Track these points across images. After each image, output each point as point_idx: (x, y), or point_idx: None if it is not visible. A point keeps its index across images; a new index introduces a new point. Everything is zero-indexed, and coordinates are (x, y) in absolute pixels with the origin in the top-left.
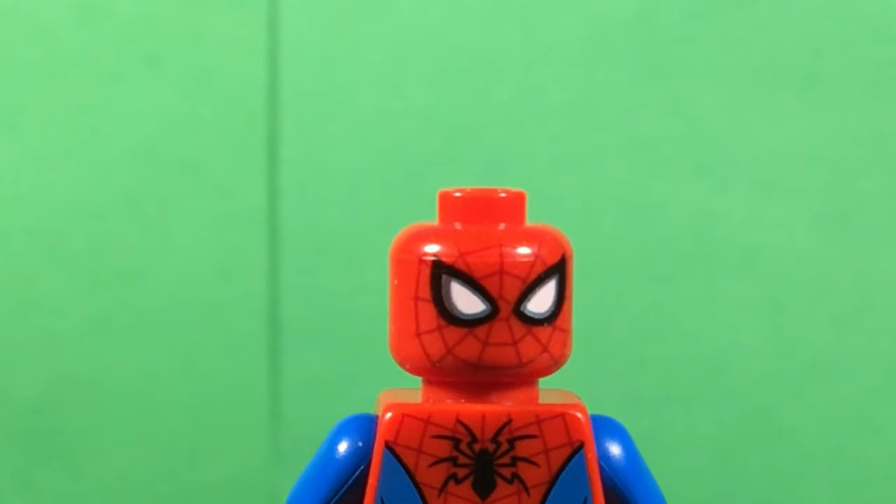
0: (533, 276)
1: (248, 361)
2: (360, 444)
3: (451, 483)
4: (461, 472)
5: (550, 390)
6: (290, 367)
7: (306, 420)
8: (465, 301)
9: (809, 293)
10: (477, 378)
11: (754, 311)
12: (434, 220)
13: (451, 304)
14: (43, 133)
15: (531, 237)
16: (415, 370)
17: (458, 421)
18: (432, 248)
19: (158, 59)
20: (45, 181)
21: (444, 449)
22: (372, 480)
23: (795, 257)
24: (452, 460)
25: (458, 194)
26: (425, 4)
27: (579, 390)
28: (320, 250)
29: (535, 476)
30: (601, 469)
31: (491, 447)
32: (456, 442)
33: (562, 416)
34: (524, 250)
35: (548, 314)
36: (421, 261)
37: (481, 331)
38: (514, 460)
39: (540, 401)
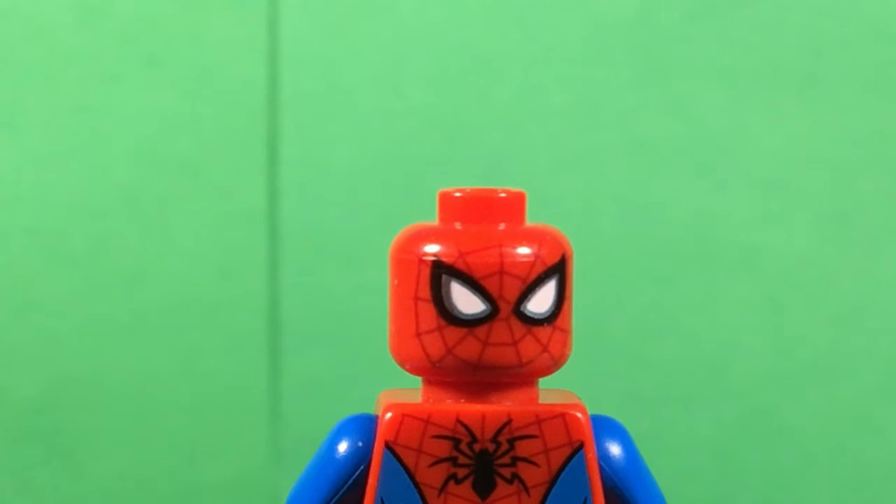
0: (533, 276)
1: (248, 361)
2: (360, 444)
3: (451, 483)
4: (461, 472)
5: (550, 390)
6: (290, 367)
7: (306, 420)
8: (465, 301)
9: (809, 293)
10: (477, 378)
11: (754, 311)
12: (434, 220)
13: (451, 304)
14: (43, 133)
15: (531, 237)
16: (415, 370)
17: (458, 421)
18: (432, 248)
19: (158, 59)
20: (45, 181)
21: (444, 449)
22: (372, 480)
23: (795, 257)
24: (452, 460)
25: (458, 194)
26: (425, 4)
27: (579, 390)
28: (320, 250)
29: (535, 476)
30: (601, 469)
31: (491, 447)
32: (456, 442)
33: (562, 416)
34: (524, 250)
35: (548, 314)
36: (421, 261)
37: (481, 331)
38: (514, 460)
39: (540, 401)
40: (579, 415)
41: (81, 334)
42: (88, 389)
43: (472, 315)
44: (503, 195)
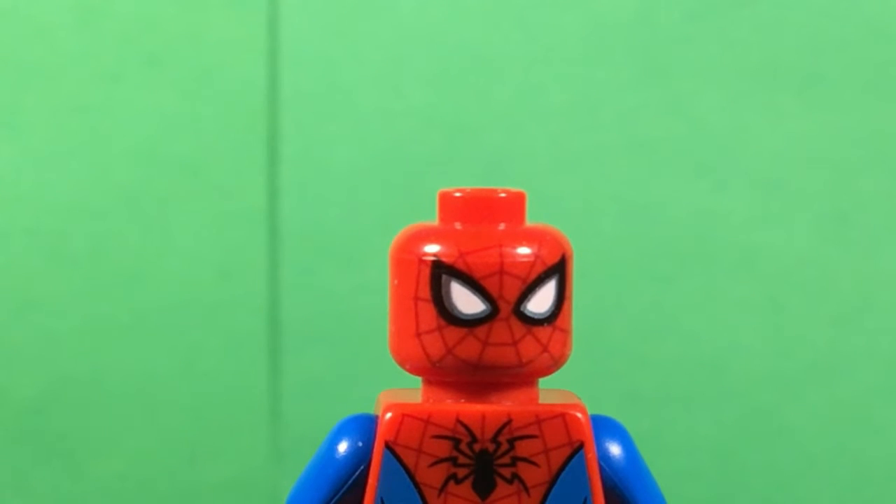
0: (533, 276)
1: (248, 361)
2: (360, 444)
3: (451, 483)
4: (461, 472)
5: (550, 390)
6: (290, 367)
7: (306, 420)
8: (465, 301)
9: (809, 293)
10: (477, 378)
11: (754, 311)
12: (434, 220)
13: (451, 304)
14: (43, 133)
15: (531, 237)
16: (415, 370)
17: (458, 421)
18: (432, 248)
19: (158, 59)
20: (45, 181)
21: (444, 449)
22: (372, 480)
23: (795, 257)
24: (452, 460)
25: (458, 194)
26: (425, 4)
27: (579, 390)
28: (320, 250)
29: (535, 476)
30: (601, 469)
31: (491, 447)
32: (456, 442)
33: (562, 416)
34: (524, 250)
35: (548, 314)
36: (421, 261)
37: (481, 331)
38: (514, 460)
39: (540, 401)
40: (579, 415)
41: (81, 334)
42: (88, 389)
43: (472, 315)
44: (503, 195)
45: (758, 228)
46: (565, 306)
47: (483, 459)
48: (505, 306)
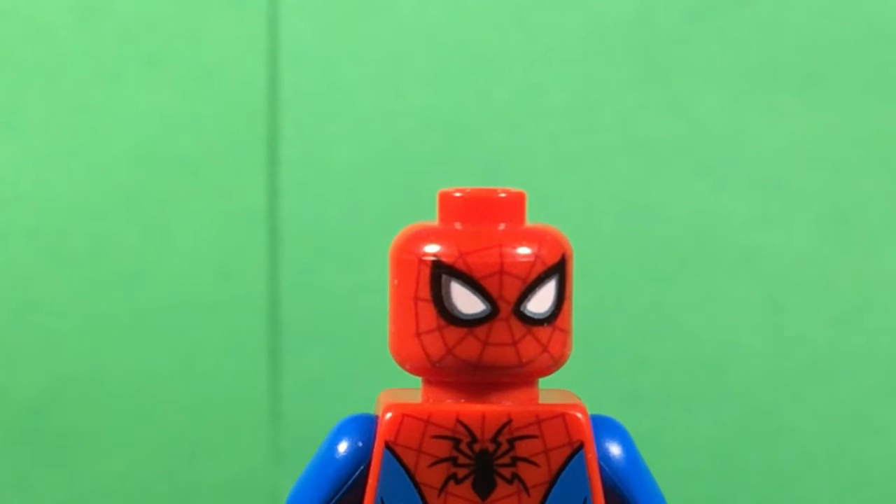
0: (533, 276)
1: (248, 361)
2: (360, 444)
3: (451, 483)
4: (461, 472)
5: (550, 390)
6: (290, 367)
7: (306, 420)
8: (465, 301)
9: (809, 293)
10: (477, 378)
11: (754, 311)
12: (434, 220)
13: (451, 304)
14: (43, 133)
15: (531, 237)
16: (415, 370)
17: (458, 421)
18: (432, 248)
19: (158, 59)
20: (45, 181)
21: (444, 449)
22: (372, 480)
23: (795, 257)
24: (452, 460)
25: (458, 194)
26: (425, 4)
27: (579, 390)
28: (320, 250)
29: (535, 476)
30: (601, 469)
31: (491, 447)
32: (456, 442)
33: (562, 416)
34: (524, 250)
35: (548, 314)
36: (421, 261)
37: (481, 331)
38: (514, 460)
39: (540, 401)
40: (579, 415)
41: (81, 334)
42: (88, 389)
43: (472, 315)
44: (503, 195)
45: (758, 228)
46: (565, 306)
47: (483, 459)
48: (505, 306)
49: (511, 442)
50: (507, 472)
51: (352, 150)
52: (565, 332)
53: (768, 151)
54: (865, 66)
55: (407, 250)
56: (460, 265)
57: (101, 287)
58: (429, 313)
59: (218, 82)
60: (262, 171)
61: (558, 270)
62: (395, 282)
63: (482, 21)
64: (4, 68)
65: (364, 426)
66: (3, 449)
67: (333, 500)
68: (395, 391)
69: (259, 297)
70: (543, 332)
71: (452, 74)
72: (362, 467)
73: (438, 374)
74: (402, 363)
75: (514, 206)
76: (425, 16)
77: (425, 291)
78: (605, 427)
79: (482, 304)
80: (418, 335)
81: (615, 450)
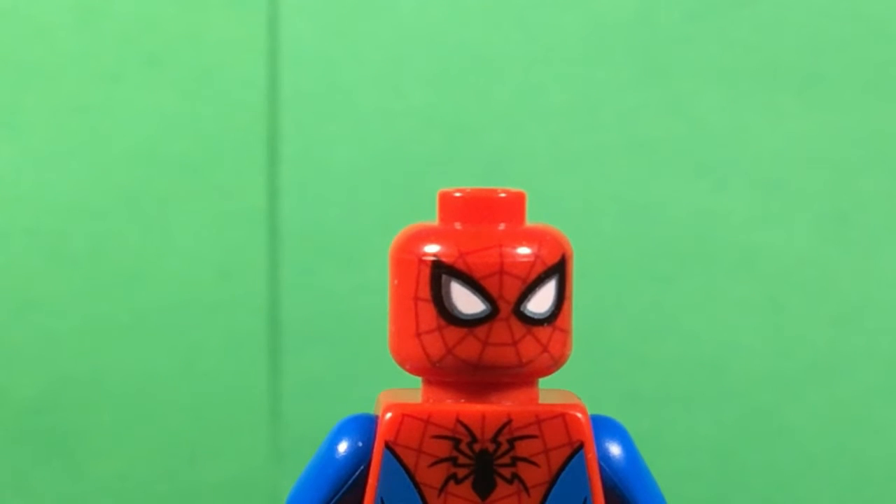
0: (533, 276)
1: (248, 361)
2: (360, 444)
3: (451, 483)
4: (461, 472)
5: (550, 390)
6: (290, 367)
7: (306, 420)
8: (465, 301)
9: (809, 293)
10: (477, 378)
11: (754, 311)
12: (434, 220)
13: (451, 304)
14: (43, 133)
15: (531, 237)
16: (415, 370)
17: (458, 421)
18: (432, 248)
19: (158, 59)
20: (45, 181)
21: (444, 449)
22: (372, 480)
23: (795, 257)
24: (452, 460)
25: (458, 194)
26: (425, 4)
27: (579, 390)
28: (320, 250)
29: (535, 476)
30: (601, 469)
31: (491, 447)
32: (456, 442)
33: (562, 416)
34: (524, 250)
35: (548, 314)
36: (421, 261)
37: (481, 331)
38: (514, 460)
39: (540, 401)
40: (579, 415)
41: (81, 334)
42: (88, 389)
43: (472, 315)
44: (503, 195)
45: (758, 228)
46: (565, 306)
47: (483, 459)
48: (505, 306)
49: (511, 442)
50: (507, 472)
51: (352, 150)
52: (565, 332)
53: (768, 151)
54: (865, 66)
55: (407, 250)
56: (460, 265)
57: (101, 287)
58: (429, 313)
59: (218, 82)
60: (262, 171)
61: (558, 270)
62: (395, 282)
63: (482, 21)
64: (4, 68)
65: (364, 426)
66: (3, 449)
67: (333, 500)
68: (395, 391)
69: (259, 297)
70: (543, 332)
71: (452, 74)
72: (362, 467)
73: (438, 374)
74: (402, 363)
75: (514, 206)
76: (425, 16)
77: (425, 291)
78: (605, 427)
79: (482, 304)
80: (418, 335)
81: (615, 450)
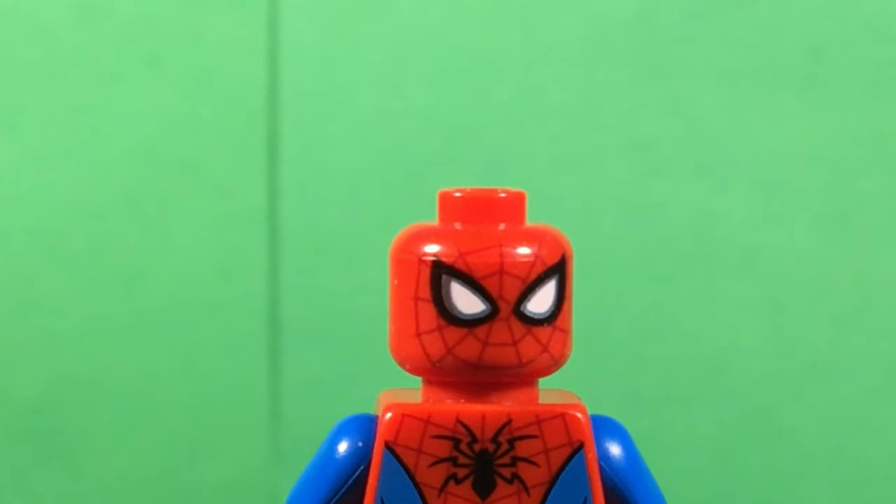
0: (533, 276)
1: (248, 361)
2: (360, 444)
3: (451, 483)
4: (461, 472)
5: (550, 390)
6: (290, 367)
7: (306, 420)
8: (465, 301)
9: (809, 293)
10: (477, 378)
11: (754, 311)
12: (434, 220)
13: (451, 304)
14: (43, 133)
15: (531, 237)
16: (415, 370)
17: (458, 421)
18: (432, 248)
19: (158, 59)
20: (45, 181)
21: (444, 449)
22: (372, 480)
23: (795, 257)
24: (452, 460)
25: (458, 194)
26: (425, 4)
27: (579, 390)
28: (320, 250)
29: (535, 476)
30: (601, 469)
31: (491, 447)
32: (456, 442)
33: (562, 416)
34: (524, 250)
35: (548, 314)
36: (421, 261)
37: (481, 331)
38: (514, 460)
39: (540, 401)
40: (579, 415)
41: (81, 334)
42: (88, 389)
43: (472, 315)
44: (503, 195)
45: (758, 228)
46: (565, 306)
47: (483, 459)
48: (505, 306)
49: (511, 442)
50: (507, 472)
51: (352, 150)
52: (565, 332)
53: (768, 151)
54: (865, 66)
55: (407, 250)
56: (460, 265)
57: (101, 287)
58: (429, 313)
59: (218, 82)
60: (262, 171)
61: (558, 270)
62: (395, 282)
63: (482, 21)
64: (4, 68)
65: (364, 426)
66: (3, 449)
67: (333, 500)
68: (395, 391)
69: (259, 297)
70: (543, 332)
71: (452, 74)
72: (362, 467)
73: (438, 374)
74: (402, 363)
75: (514, 206)
76: (425, 16)
77: (425, 291)
78: (605, 427)
79: (482, 304)
80: (418, 335)
81: (615, 450)
